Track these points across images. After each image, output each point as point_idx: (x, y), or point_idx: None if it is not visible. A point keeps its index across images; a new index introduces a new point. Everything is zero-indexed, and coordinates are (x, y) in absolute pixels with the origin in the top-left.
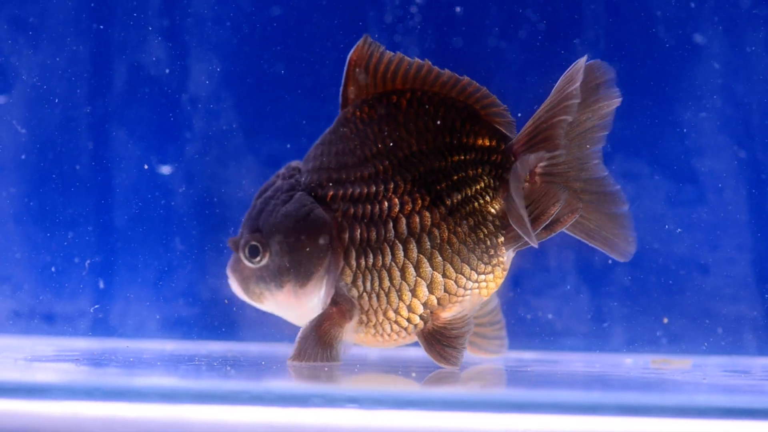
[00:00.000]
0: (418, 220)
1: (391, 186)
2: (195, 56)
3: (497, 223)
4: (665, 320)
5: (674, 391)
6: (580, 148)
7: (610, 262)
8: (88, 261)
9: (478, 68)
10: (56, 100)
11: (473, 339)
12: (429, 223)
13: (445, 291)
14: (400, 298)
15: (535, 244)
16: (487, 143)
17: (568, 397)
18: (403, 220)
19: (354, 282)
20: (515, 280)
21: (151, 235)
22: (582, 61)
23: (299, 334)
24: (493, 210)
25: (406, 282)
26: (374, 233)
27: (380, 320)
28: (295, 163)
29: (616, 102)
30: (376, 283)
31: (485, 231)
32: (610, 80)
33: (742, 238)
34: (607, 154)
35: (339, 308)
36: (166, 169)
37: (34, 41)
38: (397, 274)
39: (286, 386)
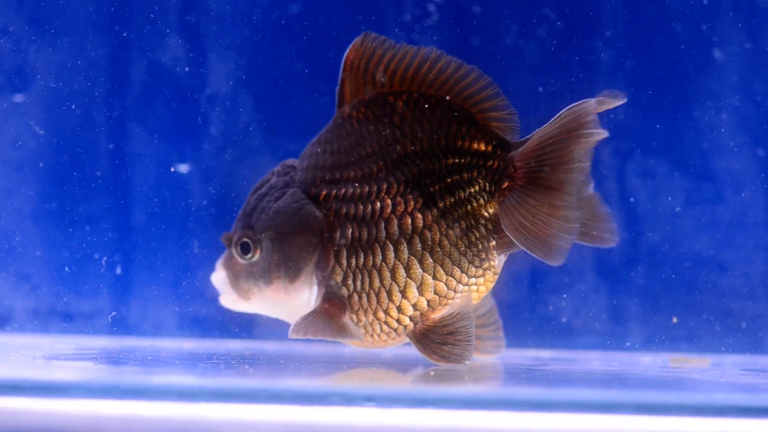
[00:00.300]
0: (410, 221)
1: (384, 186)
2: (213, 55)
3: (490, 227)
4: (674, 320)
5: (692, 390)
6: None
7: (603, 257)
8: (105, 258)
9: (495, 67)
10: (75, 100)
11: None
12: (421, 225)
13: (435, 293)
14: (390, 298)
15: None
16: (483, 148)
17: (585, 395)
18: (395, 221)
19: (344, 281)
20: (533, 279)
21: (169, 234)
22: (593, 107)
23: (292, 327)
24: (486, 214)
25: (396, 283)
26: (365, 233)
27: (370, 320)
28: (290, 161)
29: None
30: (366, 283)
31: (477, 234)
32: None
33: (761, 236)
34: (626, 152)
35: (331, 304)
36: (184, 168)
37: (53, 41)
38: (387, 274)
39: (304, 384)
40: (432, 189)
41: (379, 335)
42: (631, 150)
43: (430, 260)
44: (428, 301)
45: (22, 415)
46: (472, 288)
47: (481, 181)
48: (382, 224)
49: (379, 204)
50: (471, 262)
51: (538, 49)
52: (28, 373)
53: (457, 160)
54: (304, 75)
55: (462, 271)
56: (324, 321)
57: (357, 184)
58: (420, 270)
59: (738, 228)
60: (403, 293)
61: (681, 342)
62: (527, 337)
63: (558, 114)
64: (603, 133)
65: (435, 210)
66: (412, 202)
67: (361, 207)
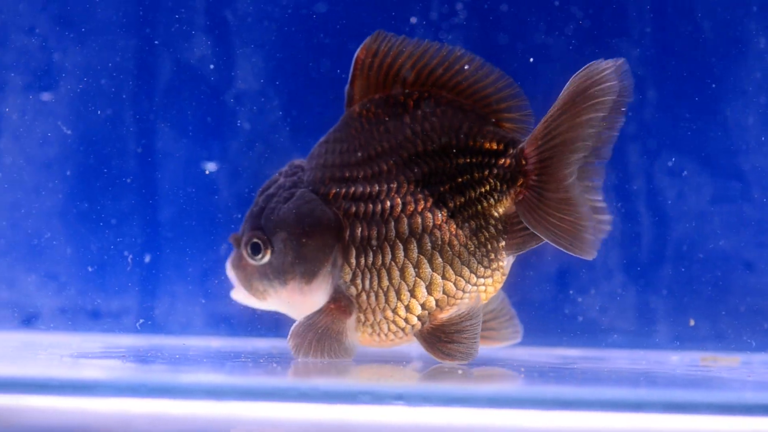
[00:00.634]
0: (419, 220)
1: (394, 186)
2: (240, 54)
3: (500, 227)
4: (692, 322)
5: (720, 388)
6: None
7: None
8: (131, 256)
9: (521, 65)
10: (102, 99)
11: (483, 334)
12: (431, 224)
13: (444, 293)
14: (399, 297)
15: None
16: (494, 147)
17: (614, 394)
18: (405, 220)
19: (353, 280)
20: (560, 278)
21: (197, 232)
22: (609, 61)
23: (292, 330)
24: (496, 214)
25: (405, 282)
26: (375, 232)
27: (378, 319)
28: (298, 161)
29: (625, 96)
30: (375, 282)
31: (487, 234)
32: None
33: None
34: (653, 152)
35: (337, 305)
36: (211, 166)
37: (80, 39)
38: (396, 273)
39: (333, 383)
40: (442, 188)
41: (386, 334)
42: (659, 149)
43: (440, 260)
44: (437, 301)
45: (50, 414)
46: (480, 288)
47: (492, 180)
48: (392, 223)
49: (389, 203)
50: (480, 263)
51: (563, 48)
52: (56, 371)
53: (467, 160)
54: (331, 73)
55: (471, 271)
56: (326, 324)
57: (367, 183)
58: (429, 269)
59: (766, 226)
60: (412, 292)
61: (709, 340)
62: (555, 336)
63: (563, 90)
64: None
65: (445, 210)
66: (422, 202)
67: (371, 206)
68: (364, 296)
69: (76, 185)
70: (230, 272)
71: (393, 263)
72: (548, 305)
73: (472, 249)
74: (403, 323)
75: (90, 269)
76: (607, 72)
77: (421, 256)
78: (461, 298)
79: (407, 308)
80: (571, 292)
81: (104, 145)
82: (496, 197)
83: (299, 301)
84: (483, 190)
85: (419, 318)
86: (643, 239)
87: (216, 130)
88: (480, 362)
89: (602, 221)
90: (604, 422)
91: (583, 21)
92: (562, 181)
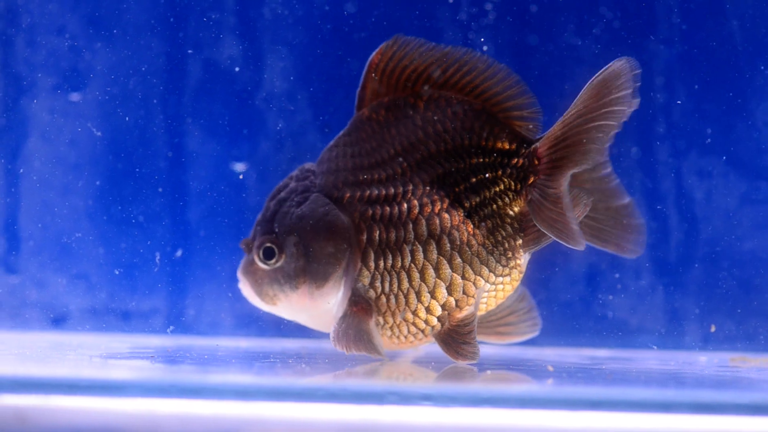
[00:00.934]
0: (438, 221)
1: (410, 188)
2: (270, 54)
3: (516, 225)
4: (713, 328)
5: (749, 389)
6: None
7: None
8: (158, 256)
9: (551, 66)
10: (131, 99)
11: (500, 329)
12: (449, 225)
13: (464, 293)
14: (419, 299)
15: (581, 246)
16: (507, 146)
17: (642, 394)
18: (423, 222)
19: (372, 283)
20: (589, 279)
21: (225, 233)
22: (626, 66)
23: (331, 338)
24: (511, 213)
25: (425, 283)
26: (393, 234)
27: (397, 322)
28: (308, 165)
29: (635, 105)
30: (395, 285)
31: (503, 233)
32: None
33: None
34: (681, 152)
35: (359, 307)
36: (240, 167)
37: (109, 40)
38: (416, 275)
39: (361, 383)
40: (457, 189)
41: (405, 336)
42: (687, 149)
43: (459, 260)
44: (457, 301)
45: (79, 414)
46: (498, 287)
47: (505, 179)
48: (410, 225)
49: (406, 205)
50: (498, 261)
51: (592, 48)
52: (84, 371)
53: (481, 160)
54: (360, 73)
55: (490, 271)
56: (357, 325)
57: (382, 186)
58: (449, 270)
59: None
60: (432, 294)
61: (738, 341)
62: (583, 336)
63: (581, 92)
64: (632, 104)
65: (461, 210)
66: (439, 203)
67: (388, 209)
68: (383, 299)
69: (106, 186)
70: (241, 278)
71: (413, 265)
72: (577, 306)
73: (489, 248)
74: (423, 325)
75: (119, 270)
76: (624, 81)
77: (441, 257)
78: (480, 297)
79: (428, 310)
80: (600, 293)
81: (134, 146)
82: (510, 196)
83: (309, 305)
84: (497, 189)
85: (439, 319)
86: (672, 240)
87: (245, 131)
88: (508, 363)
89: (627, 207)
90: (633, 423)
91: (611, 21)
92: (564, 180)
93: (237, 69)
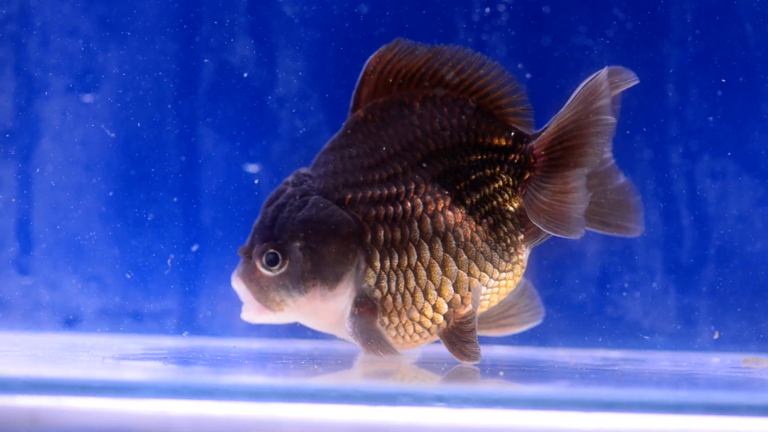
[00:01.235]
0: (442, 219)
1: (412, 186)
2: (282, 55)
3: (516, 221)
4: (716, 335)
5: (762, 390)
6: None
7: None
8: (171, 257)
9: (563, 65)
10: (144, 100)
11: (502, 322)
12: (453, 222)
13: (470, 289)
14: (426, 297)
15: (579, 235)
16: (504, 143)
17: (655, 395)
18: (428, 220)
19: (377, 284)
20: (602, 279)
21: (238, 234)
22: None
23: (354, 336)
24: (511, 208)
25: (432, 281)
26: (399, 233)
27: (403, 321)
28: (303, 170)
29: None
30: (402, 284)
31: (505, 229)
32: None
33: None
34: (694, 153)
35: (365, 308)
36: (253, 168)
37: (122, 41)
38: (423, 273)
39: (374, 384)
40: (458, 186)
41: (411, 336)
42: (701, 150)
43: (465, 257)
44: (462, 298)
45: (91, 415)
46: (501, 283)
47: (504, 176)
48: (416, 224)
49: (410, 204)
50: (501, 257)
51: (606, 49)
52: (97, 373)
53: (479, 157)
54: None
55: (494, 266)
56: (364, 325)
57: (384, 186)
58: (455, 267)
59: None
60: (439, 291)
61: (752, 342)
62: (596, 338)
63: (573, 94)
64: (611, 120)
65: (463, 207)
66: (441, 201)
67: (392, 208)
68: (389, 299)
69: (119, 187)
70: (240, 286)
71: (419, 263)
72: (590, 307)
73: (492, 244)
74: (429, 323)
75: (131, 271)
76: (605, 89)
77: (447, 255)
78: (485, 294)
79: (434, 308)
80: (612, 294)
81: (147, 148)
82: (509, 192)
83: (320, 308)
84: (496, 186)
85: (445, 317)
86: (684, 241)
87: (258, 132)
88: (521, 364)
89: (582, 198)
90: (646, 424)
91: (625, 22)
92: (569, 171)
93: (250, 70)
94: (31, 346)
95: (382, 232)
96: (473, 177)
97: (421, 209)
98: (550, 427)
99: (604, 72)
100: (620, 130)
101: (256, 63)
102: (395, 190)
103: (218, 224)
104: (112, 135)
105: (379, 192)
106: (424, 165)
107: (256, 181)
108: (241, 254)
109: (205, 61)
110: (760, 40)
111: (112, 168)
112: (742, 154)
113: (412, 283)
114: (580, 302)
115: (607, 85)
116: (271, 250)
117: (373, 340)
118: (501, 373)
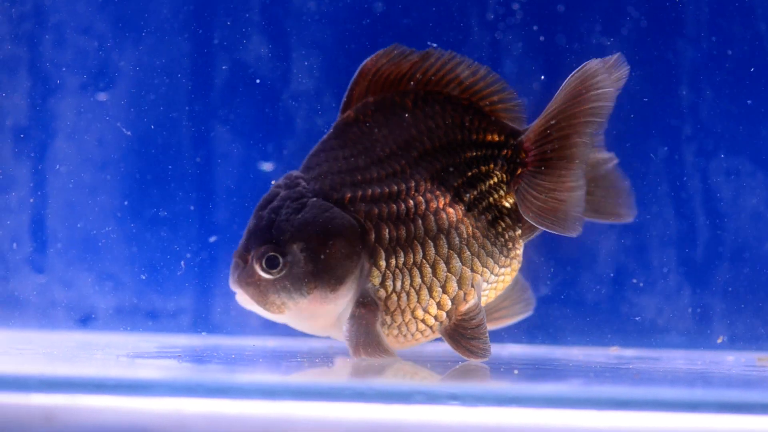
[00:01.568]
0: (444, 216)
1: (412, 184)
2: (296, 53)
3: (513, 216)
4: (720, 339)
5: None
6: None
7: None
8: (187, 255)
9: (574, 64)
10: (158, 99)
11: (494, 315)
12: (455, 219)
13: (472, 285)
14: (431, 294)
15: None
16: (497, 139)
17: (669, 394)
18: (431, 217)
19: (382, 283)
20: (616, 277)
21: None
22: (602, 70)
23: (350, 337)
24: (507, 204)
25: (437, 278)
26: (404, 231)
27: (406, 320)
28: (295, 173)
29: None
30: (407, 282)
31: (503, 225)
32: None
33: None
34: (709, 152)
35: (367, 309)
36: (267, 167)
37: (137, 39)
38: (428, 271)
39: (388, 383)
40: (456, 184)
41: (413, 334)
42: (715, 149)
43: (468, 253)
44: (465, 294)
45: (106, 413)
46: (499, 278)
47: (498, 173)
48: (419, 221)
49: (412, 202)
50: (501, 252)
51: (620, 48)
52: (112, 371)
53: (474, 153)
54: None
55: (494, 262)
56: (365, 327)
57: (383, 184)
58: (459, 263)
59: None
60: (444, 288)
61: (766, 340)
62: (610, 336)
63: (561, 86)
64: (611, 93)
65: (462, 204)
66: (441, 198)
67: (394, 206)
68: (394, 297)
69: (134, 185)
70: (239, 290)
71: (425, 261)
72: (604, 305)
73: (492, 240)
74: (432, 321)
75: (146, 269)
76: (601, 78)
77: (451, 251)
78: (486, 289)
79: (438, 305)
80: (627, 292)
81: (161, 146)
82: (504, 189)
83: (321, 310)
84: (491, 182)
85: (448, 314)
86: (699, 239)
87: (272, 131)
88: (535, 362)
89: (581, 196)
90: (660, 422)
91: (639, 21)
92: (562, 165)
93: (265, 69)
94: (46, 344)
95: (387, 230)
96: (469, 174)
97: (423, 207)
98: (564, 426)
99: (590, 63)
100: (633, 128)
101: (270, 62)
102: (395, 188)
103: (233, 223)
104: (128, 133)
105: (379, 190)
106: (422, 163)
107: (273, 182)
108: (236, 258)
109: (220, 59)
110: None
111: (127, 166)
112: (757, 153)
113: (417, 280)
114: (594, 301)
115: (592, 75)
116: (271, 253)
117: (371, 341)
118: (516, 372)
